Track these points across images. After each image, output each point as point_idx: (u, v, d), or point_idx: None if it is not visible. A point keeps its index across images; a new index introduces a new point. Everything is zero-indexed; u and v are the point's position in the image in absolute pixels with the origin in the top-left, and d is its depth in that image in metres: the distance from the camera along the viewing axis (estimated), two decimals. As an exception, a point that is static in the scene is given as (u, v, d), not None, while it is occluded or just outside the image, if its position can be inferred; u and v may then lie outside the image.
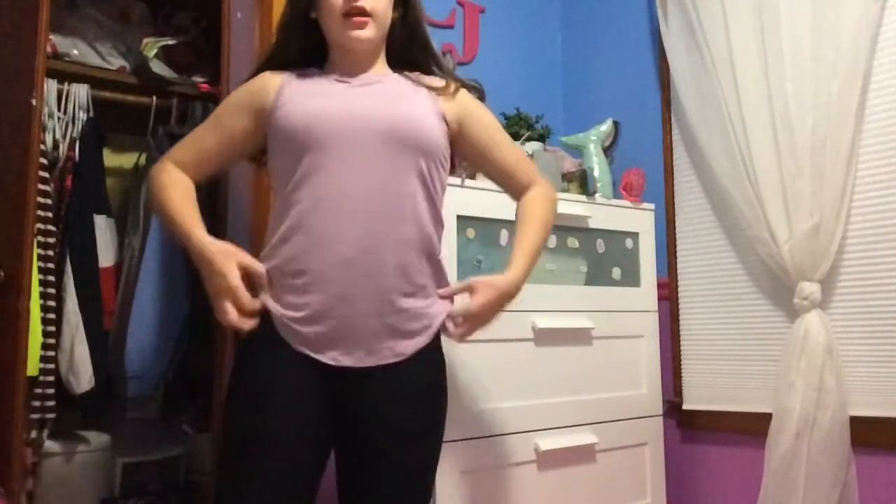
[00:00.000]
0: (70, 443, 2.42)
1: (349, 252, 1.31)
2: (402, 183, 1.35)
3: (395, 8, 1.45)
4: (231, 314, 1.29)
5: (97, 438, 2.50)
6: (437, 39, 1.65)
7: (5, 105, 1.94)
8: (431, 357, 1.42)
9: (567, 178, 2.33)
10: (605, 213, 2.29)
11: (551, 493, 2.04)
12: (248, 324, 1.31)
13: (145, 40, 2.69)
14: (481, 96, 1.59)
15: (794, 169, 2.11)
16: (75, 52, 2.56)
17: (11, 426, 1.82)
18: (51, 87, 2.41)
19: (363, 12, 1.37)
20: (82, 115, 2.49)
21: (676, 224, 2.56)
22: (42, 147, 2.29)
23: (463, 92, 1.51)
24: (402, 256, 1.34)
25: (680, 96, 2.45)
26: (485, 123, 1.52)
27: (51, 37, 2.38)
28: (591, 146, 2.53)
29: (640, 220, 2.39)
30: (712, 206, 2.45)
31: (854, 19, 2.05)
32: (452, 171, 1.54)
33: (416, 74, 1.50)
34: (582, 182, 2.31)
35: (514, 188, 1.57)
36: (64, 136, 2.45)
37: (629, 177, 2.44)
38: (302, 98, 1.39)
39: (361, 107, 1.37)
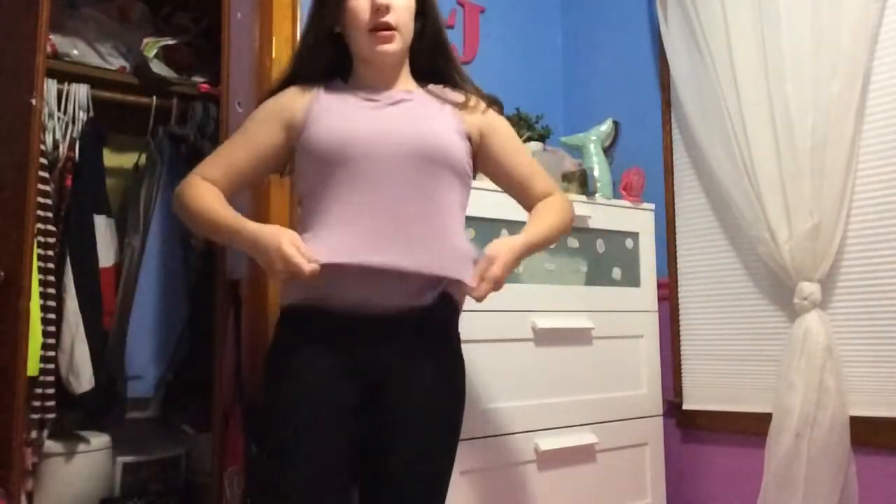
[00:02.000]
0: (70, 443, 2.43)
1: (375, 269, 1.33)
2: (429, 202, 1.38)
3: (414, 19, 1.46)
4: (291, 263, 1.25)
5: (97, 438, 2.50)
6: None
7: (5, 105, 1.94)
8: (452, 360, 1.47)
9: (567, 178, 2.33)
10: (605, 213, 2.29)
11: (551, 493, 2.04)
12: (311, 266, 1.27)
13: (145, 40, 2.69)
14: (501, 110, 1.61)
15: (794, 169, 2.11)
16: (75, 52, 2.56)
17: (11, 426, 1.82)
18: (51, 87, 2.42)
19: (389, 27, 1.39)
20: (82, 115, 2.50)
21: (676, 224, 2.55)
22: (42, 147, 2.29)
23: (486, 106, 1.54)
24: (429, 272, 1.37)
25: (680, 96, 2.45)
26: (505, 137, 1.55)
27: (51, 37, 2.38)
28: (591, 146, 2.53)
29: (640, 220, 2.39)
30: (712, 206, 2.45)
31: (854, 19, 2.05)
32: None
33: (439, 88, 1.51)
34: (582, 182, 2.30)
35: (531, 199, 1.57)
36: (64, 136, 2.46)
37: (629, 177, 2.44)
38: (332, 118, 1.40)
39: (390, 128, 1.39)
